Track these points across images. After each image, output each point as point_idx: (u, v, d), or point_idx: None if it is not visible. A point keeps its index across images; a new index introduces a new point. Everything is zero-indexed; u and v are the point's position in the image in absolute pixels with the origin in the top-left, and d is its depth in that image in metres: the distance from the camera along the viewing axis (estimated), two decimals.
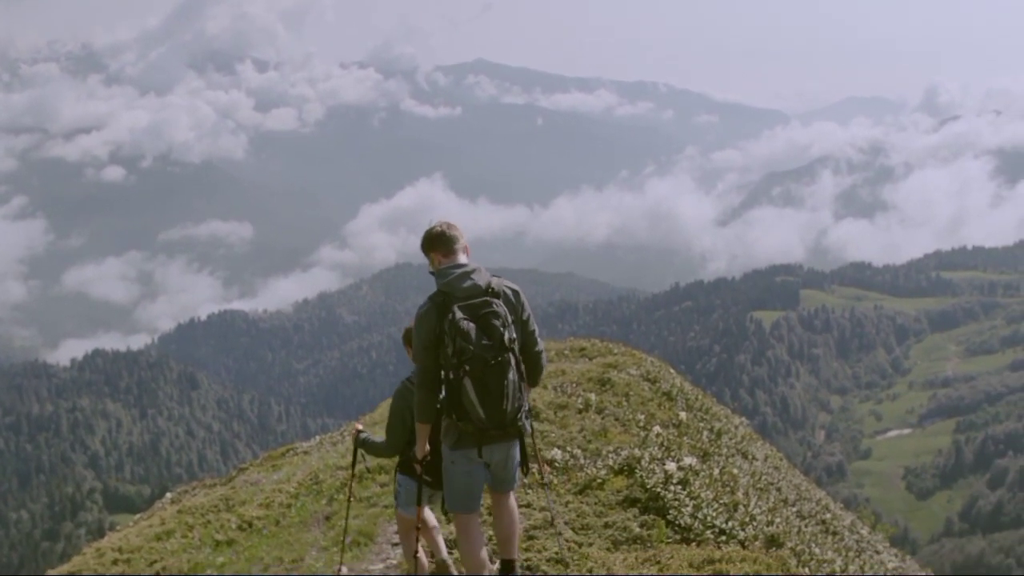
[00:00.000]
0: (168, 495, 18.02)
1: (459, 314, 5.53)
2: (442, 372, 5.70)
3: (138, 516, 16.28)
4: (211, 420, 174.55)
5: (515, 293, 5.85)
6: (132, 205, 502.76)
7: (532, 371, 5.97)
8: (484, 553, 6.16)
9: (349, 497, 8.86)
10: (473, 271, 5.75)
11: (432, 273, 5.95)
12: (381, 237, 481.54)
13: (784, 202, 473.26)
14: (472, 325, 5.53)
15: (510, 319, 5.67)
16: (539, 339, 6.00)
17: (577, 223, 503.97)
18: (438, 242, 5.91)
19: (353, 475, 8.36)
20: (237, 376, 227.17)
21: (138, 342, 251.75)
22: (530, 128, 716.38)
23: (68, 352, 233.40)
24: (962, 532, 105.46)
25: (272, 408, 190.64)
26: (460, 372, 5.51)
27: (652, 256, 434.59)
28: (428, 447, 6.16)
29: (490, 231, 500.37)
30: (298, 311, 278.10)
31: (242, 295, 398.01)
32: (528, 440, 6.17)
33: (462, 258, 5.88)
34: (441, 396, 5.79)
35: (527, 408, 5.84)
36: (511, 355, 5.61)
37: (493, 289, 5.70)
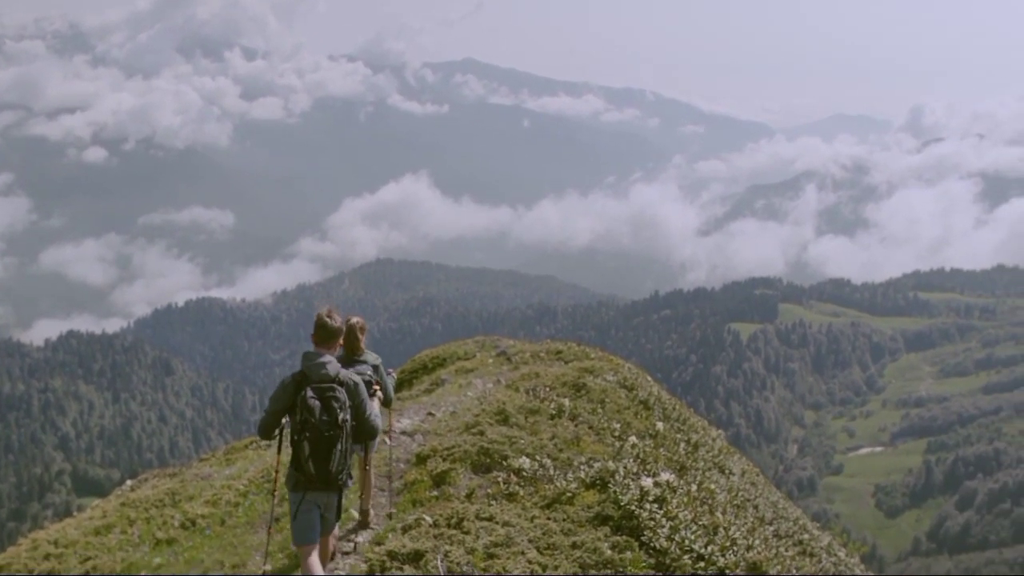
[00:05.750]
0: (128, 483, 17.28)
1: (310, 393, 7.01)
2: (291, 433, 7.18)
3: (96, 503, 15.59)
4: (184, 407, 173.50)
5: (355, 384, 7.28)
6: (113, 187, 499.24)
7: (365, 431, 7.51)
8: None
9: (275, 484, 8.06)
10: (328, 363, 7.20)
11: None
12: (362, 231, 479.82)
13: (767, 215, 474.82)
14: (318, 403, 7.00)
15: (348, 404, 7.12)
16: (370, 411, 7.49)
17: (560, 226, 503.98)
18: (318, 329, 7.44)
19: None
20: (212, 364, 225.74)
21: (113, 325, 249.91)
22: (516, 129, 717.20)
23: (42, 332, 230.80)
24: (929, 552, 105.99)
25: (246, 397, 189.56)
26: (303, 436, 6.98)
27: (633, 263, 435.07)
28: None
29: (472, 230, 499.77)
30: (277, 302, 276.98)
31: (221, 283, 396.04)
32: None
33: (325, 350, 7.33)
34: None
35: (349, 471, 7.32)
36: (342, 432, 7.05)
37: (340, 379, 7.17)
